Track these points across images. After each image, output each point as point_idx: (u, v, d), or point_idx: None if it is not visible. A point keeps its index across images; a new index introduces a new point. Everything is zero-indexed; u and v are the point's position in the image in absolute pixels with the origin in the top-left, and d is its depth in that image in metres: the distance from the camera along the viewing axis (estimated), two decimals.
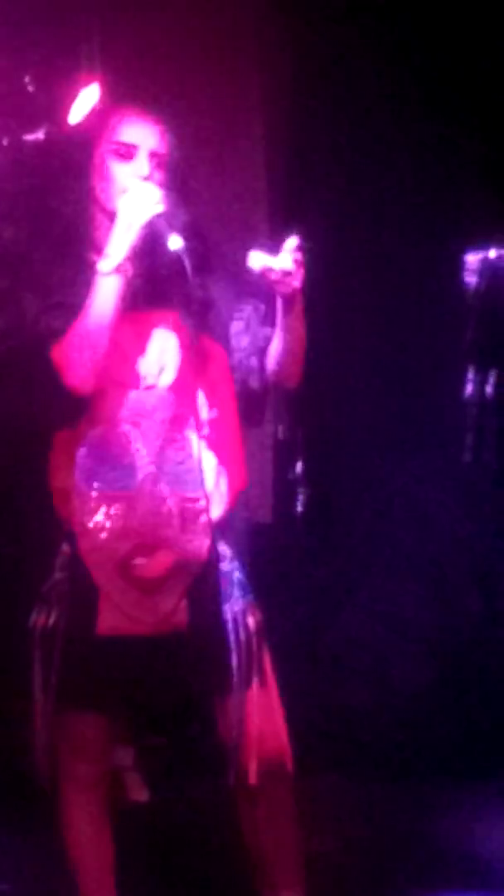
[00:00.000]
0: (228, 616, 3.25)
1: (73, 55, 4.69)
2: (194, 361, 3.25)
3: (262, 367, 3.40)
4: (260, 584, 4.75)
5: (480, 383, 6.03)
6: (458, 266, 5.96)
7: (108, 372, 3.17)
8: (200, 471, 3.20)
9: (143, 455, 3.21)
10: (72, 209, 3.29)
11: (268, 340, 3.38)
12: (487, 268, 5.86)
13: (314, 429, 5.53)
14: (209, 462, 3.24)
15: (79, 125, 3.58)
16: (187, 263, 3.13)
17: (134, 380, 3.23)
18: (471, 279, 5.92)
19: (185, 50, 5.22)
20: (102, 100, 3.59)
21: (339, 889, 4.05)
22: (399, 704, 5.39)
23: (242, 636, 3.24)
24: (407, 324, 5.74)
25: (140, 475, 3.21)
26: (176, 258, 3.14)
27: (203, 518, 3.22)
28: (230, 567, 3.29)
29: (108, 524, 3.19)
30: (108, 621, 3.18)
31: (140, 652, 3.20)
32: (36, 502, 3.25)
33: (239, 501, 3.40)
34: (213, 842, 4.05)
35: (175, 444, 3.24)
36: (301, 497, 5.56)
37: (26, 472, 3.31)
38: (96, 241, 3.25)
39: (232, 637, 3.23)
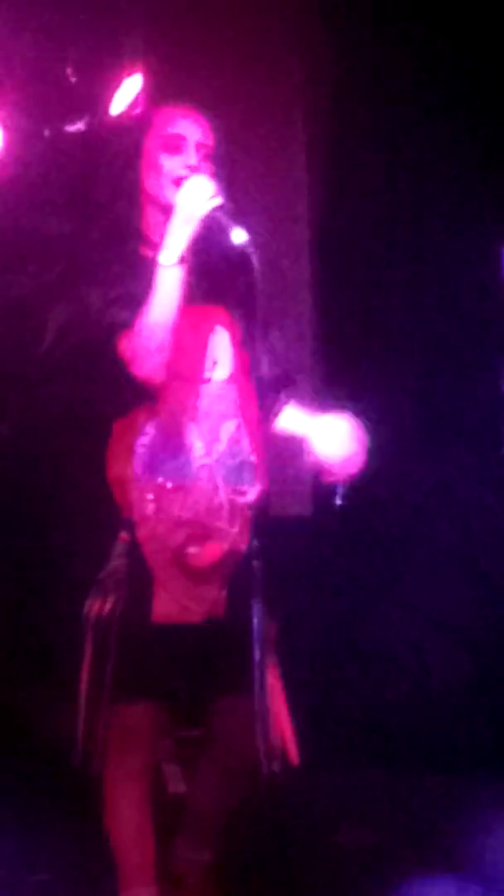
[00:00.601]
0: (255, 610, 3.29)
1: (116, 48, 4.71)
2: (244, 357, 3.33)
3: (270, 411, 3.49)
4: (299, 578, 4.76)
5: None
6: (496, 259, 5.96)
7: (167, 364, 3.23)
8: (251, 465, 3.29)
9: (199, 447, 3.28)
10: (123, 203, 3.35)
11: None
12: None
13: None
14: (253, 458, 3.33)
15: (128, 120, 3.60)
16: (254, 256, 3.16)
17: (191, 373, 3.29)
18: None
19: (228, 44, 5.22)
20: (146, 92, 3.62)
21: (377, 880, 4.05)
22: (438, 698, 5.39)
23: (264, 632, 3.29)
24: (444, 317, 5.73)
25: (195, 466, 3.27)
26: (241, 251, 3.17)
27: (246, 512, 3.29)
28: (258, 564, 3.32)
29: (165, 513, 3.24)
30: (163, 609, 3.24)
31: (189, 640, 3.26)
32: (95, 490, 3.29)
33: (276, 496, 3.47)
34: (249, 832, 4.05)
35: (228, 438, 3.31)
36: (340, 491, 5.56)
37: (86, 460, 3.33)
38: (146, 234, 3.32)
39: (256, 632, 3.27)
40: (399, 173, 5.58)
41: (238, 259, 3.19)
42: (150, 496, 3.24)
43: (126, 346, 3.18)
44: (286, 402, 3.51)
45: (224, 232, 3.17)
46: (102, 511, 3.27)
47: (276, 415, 3.49)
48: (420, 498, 5.63)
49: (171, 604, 3.23)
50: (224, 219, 3.18)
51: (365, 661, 5.43)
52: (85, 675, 3.24)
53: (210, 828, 3.48)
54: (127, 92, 4.46)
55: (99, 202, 3.40)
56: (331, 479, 3.39)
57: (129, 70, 4.54)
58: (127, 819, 3.36)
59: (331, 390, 5.62)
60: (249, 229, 3.19)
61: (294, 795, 4.70)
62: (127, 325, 3.18)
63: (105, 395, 3.22)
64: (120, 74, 4.54)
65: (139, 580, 3.23)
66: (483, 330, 5.92)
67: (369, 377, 5.46)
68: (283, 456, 3.50)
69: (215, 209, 3.17)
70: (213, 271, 3.30)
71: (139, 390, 3.20)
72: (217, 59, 5.16)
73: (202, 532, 3.26)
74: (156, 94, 3.82)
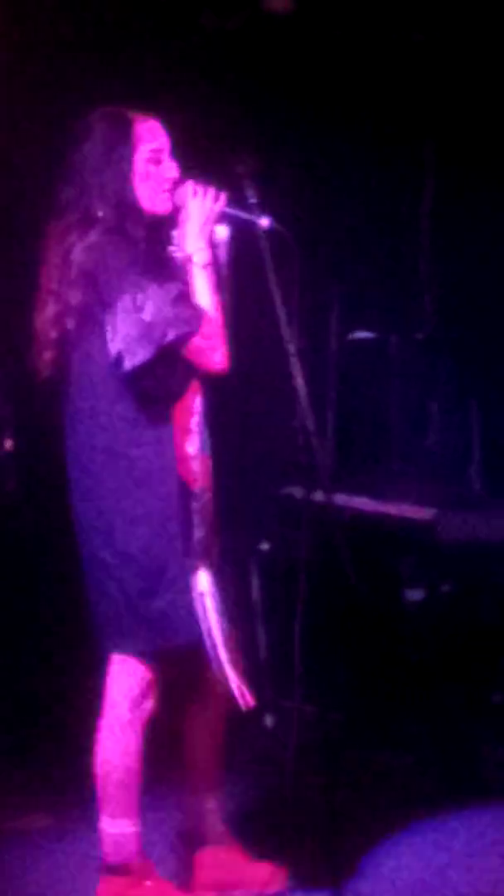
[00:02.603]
0: None
1: None
2: None
3: None
4: None
5: None
6: None
7: None
8: None
9: None
10: (126, 216, 3.67)
11: None
12: None
13: (21, 406, 5.45)
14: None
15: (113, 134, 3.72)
16: (289, 237, 3.64)
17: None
18: None
19: None
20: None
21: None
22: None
23: None
24: None
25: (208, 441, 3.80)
26: (278, 233, 3.65)
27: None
28: None
29: (210, 482, 3.76)
30: None
31: None
32: (171, 467, 3.70)
33: None
34: None
35: None
36: (8, 475, 5.50)
37: (162, 442, 3.70)
38: (153, 237, 3.71)
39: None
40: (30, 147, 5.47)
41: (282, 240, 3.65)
42: (209, 468, 3.75)
43: (200, 340, 3.60)
44: None
45: (250, 222, 3.65)
46: (178, 484, 3.70)
47: None
48: None
49: None
50: (243, 211, 3.67)
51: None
52: (217, 632, 3.68)
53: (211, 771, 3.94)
54: None
55: (97, 217, 3.64)
56: None
57: None
58: (135, 756, 3.77)
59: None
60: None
61: None
62: (196, 320, 3.60)
63: (181, 384, 3.66)
64: None
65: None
66: None
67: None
68: None
69: (229, 205, 3.67)
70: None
71: (210, 377, 3.67)
72: None
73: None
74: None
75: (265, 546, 5.55)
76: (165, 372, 3.58)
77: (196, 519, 3.68)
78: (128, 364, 3.54)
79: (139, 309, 3.53)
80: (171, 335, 3.54)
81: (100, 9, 5.28)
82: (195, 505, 3.68)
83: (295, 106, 5.72)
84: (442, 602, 5.23)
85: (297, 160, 5.73)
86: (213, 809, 3.94)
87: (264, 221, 3.62)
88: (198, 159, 3.74)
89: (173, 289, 3.58)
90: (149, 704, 3.76)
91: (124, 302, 3.54)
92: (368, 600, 4.76)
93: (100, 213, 3.64)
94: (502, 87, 5.88)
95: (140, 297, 3.54)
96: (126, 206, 3.64)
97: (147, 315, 3.53)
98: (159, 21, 5.37)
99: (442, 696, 5.06)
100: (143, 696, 3.74)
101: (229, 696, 3.72)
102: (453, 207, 6.22)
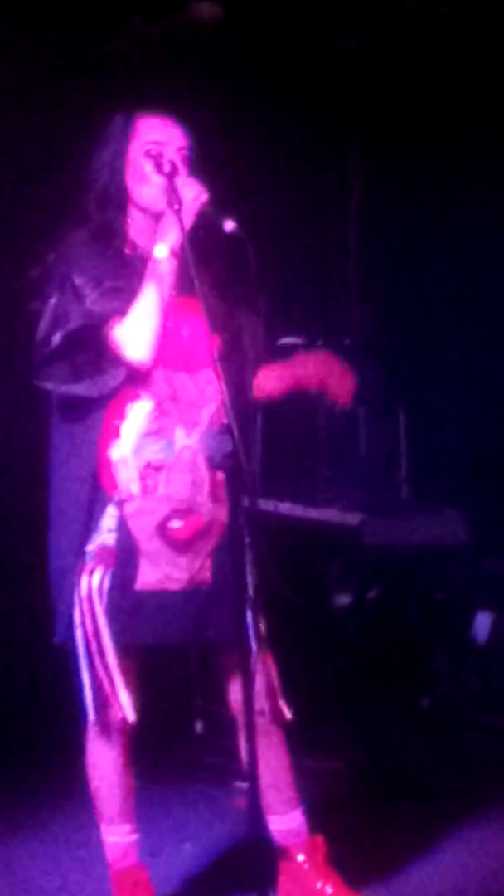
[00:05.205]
0: (248, 574, 3.67)
1: None
2: (225, 348, 3.68)
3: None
4: None
5: None
6: None
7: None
8: (228, 446, 3.55)
9: (179, 430, 3.65)
10: (112, 209, 3.69)
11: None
12: None
13: None
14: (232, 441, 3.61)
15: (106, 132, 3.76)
16: (249, 244, 3.60)
17: (173, 361, 3.67)
18: None
19: None
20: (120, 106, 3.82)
21: None
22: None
23: (252, 594, 3.67)
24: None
25: (177, 448, 3.65)
26: (235, 240, 3.62)
27: (227, 489, 3.66)
28: (245, 531, 3.69)
29: (149, 491, 3.62)
30: (146, 578, 3.63)
31: (172, 604, 3.64)
32: (82, 470, 3.66)
33: None
34: None
35: (209, 420, 3.68)
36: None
37: (76, 443, 3.66)
38: (130, 237, 3.71)
39: (248, 594, 3.65)
40: None
41: (232, 248, 3.64)
42: (136, 475, 3.61)
43: (118, 333, 3.55)
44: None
45: (215, 225, 3.61)
46: (92, 490, 3.64)
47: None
48: None
49: (153, 573, 3.62)
50: (212, 213, 3.61)
51: None
52: (81, 640, 3.63)
53: (283, 790, 3.81)
54: None
55: (87, 209, 3.70)
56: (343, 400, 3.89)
57: None
58: (107, 773, 3.73)
59: None
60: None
61: None
62: (120, 312, 3.56)
63: (95, 379, 3.56)
64: None
65: (126, 552, 3.62)
66: None
67: None
68: None
69: (203, 206, 3.60)
70: (205, 263, 3.65)
71: (125, 376, 3.58)
72: None
73: (184, 507, 3.64)
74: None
75: None
76: (82, 360, 3.56)
77: (107, 525, 3.62)
78: (37, 356, 3.58)
79: (65, 294, 3.57)
80: (73, 323, 3.54)
81: None
82: (111, 511, 3.62)
83: (222, 110, 5.75)
84: (369, 607, 5.26)
85: (223, 165, 5.72)
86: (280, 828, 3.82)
87: (229, 225, 3.62)
88: None
89: (105, 284, 3.58)
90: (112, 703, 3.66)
91: (52, 296, 3.58)
92: (296, 605, 4.76)
93: (90, 208, 3.70)
94: (429, 94, 5.93)
95: (73, 285, 3.57)
96: (108, 200, 3.68)
97: (67, 301, 3.55)
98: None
99: (370, 700, 5.07)
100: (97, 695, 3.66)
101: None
102: (380, 213, 6.27)
